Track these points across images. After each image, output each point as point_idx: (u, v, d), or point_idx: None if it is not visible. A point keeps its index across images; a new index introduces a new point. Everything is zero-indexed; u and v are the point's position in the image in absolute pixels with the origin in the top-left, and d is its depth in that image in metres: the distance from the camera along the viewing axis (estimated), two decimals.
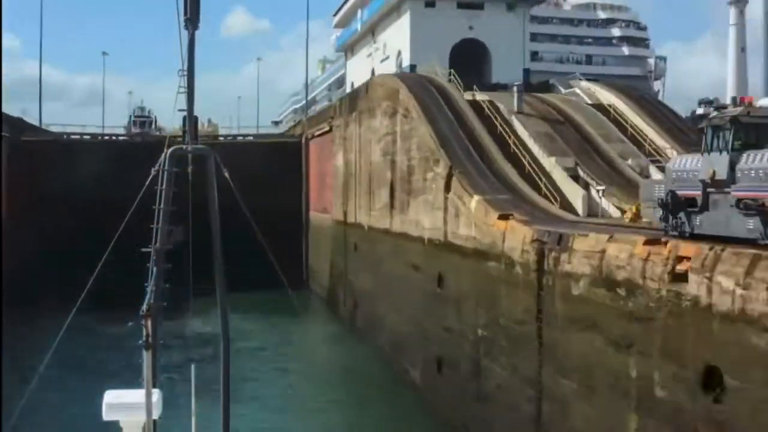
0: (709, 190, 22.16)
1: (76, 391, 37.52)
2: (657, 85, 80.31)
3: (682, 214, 23.51)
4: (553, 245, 27.84)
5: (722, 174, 21.38)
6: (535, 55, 70.93)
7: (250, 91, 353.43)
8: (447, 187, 38.69)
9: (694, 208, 22.79)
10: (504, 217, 32.54)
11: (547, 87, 58.32)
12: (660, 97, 77.32)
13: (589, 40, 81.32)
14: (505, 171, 39.67)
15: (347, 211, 61.48)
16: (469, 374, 35.04)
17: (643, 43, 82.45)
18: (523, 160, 40.72)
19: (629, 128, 45.97)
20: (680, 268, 21.06)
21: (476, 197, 35.54)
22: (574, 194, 37.99)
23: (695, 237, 22.49)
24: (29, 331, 45.19)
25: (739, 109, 21.52)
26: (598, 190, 37.06)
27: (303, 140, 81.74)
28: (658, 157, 42.02)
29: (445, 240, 38.79)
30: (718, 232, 21.64)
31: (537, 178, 38.98)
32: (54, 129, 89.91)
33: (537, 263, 28.88)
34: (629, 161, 41.60)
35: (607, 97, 51.41)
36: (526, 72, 61.90)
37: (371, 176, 53.77)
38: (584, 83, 55.79)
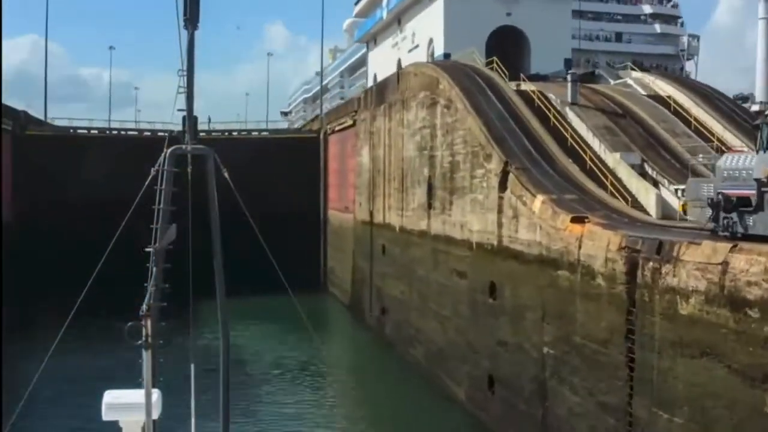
0: (765, 189, 21.50)
1: (75, 391, 37.81)
2: (689, 65, 76.69)
3: (734, 214, 22.49)
4: (651, 254, 23.71)
5: None
6: None
7: (260, 87, 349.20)
8: (502, 186, 34.61)
9: (748, 207, 22.00)
10: (578, 219, 28.46)
11: (592, 77, 54.26)
12: (693, 77, 74.02)
13: (619, 17, 77.25)
14: (566, 167, 35.54)
15: (374, 211, 57.44)
16: (531, 395, 31.10)
17: (674, 20, 78.38)
18: (584, 156, 36.62)
19: (693, 122, 41.86)
20: None
21: (540, 197, 31.45)
22: (645, 193, 33.88)
23: (747, 238, 21.68)
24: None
25: None
26: (676, 190, 32.87)
27: (321, 135, 77.84)
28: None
29: (499, 244, 34.72)
30: None
31: (601, 176, 34.86)
32: (59, 123, 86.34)
33: (627, 275, 24.78)
34: (700, 157, 37.39)
35: (663, 87, 47.33)
36: (568, 62, 57.85)
37: (404, 173, 49.69)
38: (636, 73, 51.75)
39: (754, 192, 21.60)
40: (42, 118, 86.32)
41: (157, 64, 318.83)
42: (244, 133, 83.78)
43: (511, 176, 34.04)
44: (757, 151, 22.26)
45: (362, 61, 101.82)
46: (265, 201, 67.09)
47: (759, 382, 19.15)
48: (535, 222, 31.22)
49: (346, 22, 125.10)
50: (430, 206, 44.45)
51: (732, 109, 43.92)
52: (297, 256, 66.63)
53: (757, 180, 21.50)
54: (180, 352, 16.12)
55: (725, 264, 20.48)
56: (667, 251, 23.02)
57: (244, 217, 17.40)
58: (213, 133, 79.94)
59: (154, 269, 13.82)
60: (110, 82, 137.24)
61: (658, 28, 74.74)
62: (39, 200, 67.87)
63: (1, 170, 56.44)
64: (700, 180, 24.60)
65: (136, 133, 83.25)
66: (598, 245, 26.53)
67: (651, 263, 23.59)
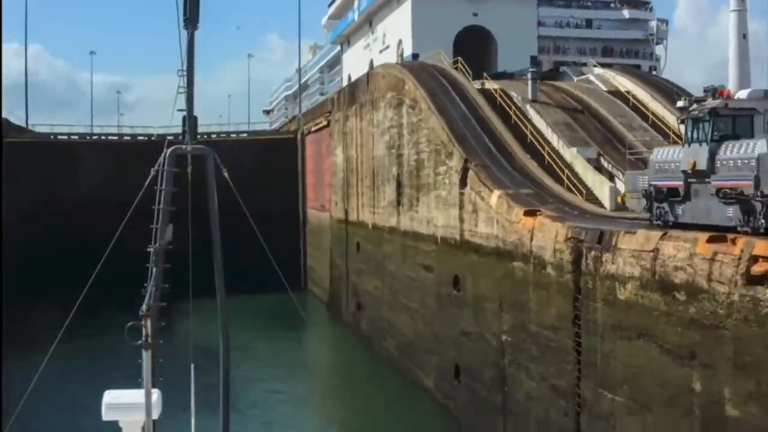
0: (691, 180, 22.75)
1: (75, 391, 37.61)
2: (659, 50, 77.34)
3: (665, 204, 23.90)
4: (593, 244, 25.07)
5: (702, 165, 22.04)
6: None
7: (241, 88, 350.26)
8: (462, 182, 35.91)
9: (677, 197, 23.30)
10: (531, 212, 29.78)
11: (556, 74, 55.62)
12: (662, 62, 75.21)
13: (588, 3, 77.85)
14: (524, 163, 36.87)
15: (348, 209, 58.65)
16: (493, 382, 32.39)
17: (643, 5, 79.00)
18: (542, 151, 37.95)
19: (650, 116, 43.23)
20: (757, 269, 18.40)
21: (497, 192, 32.75)
22: (600, 186, 35.23)
23: (678, 226, 23.00)
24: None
25: (717, 102, 22.33)
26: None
27: (299, 136, 79.01)
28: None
29: (461, 239, 36.02)
30: (699, 221, 22.33)
31: (558, 170, 36.22)
32: (40, 129, 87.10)
33: (573, 264, 26.13)
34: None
35: (623, 83, 48.69)
36: (534, 60, 58.97)
37: (375, 172, 50.93)
38: (598, 69, 53.10)
39: (681, 183, 22.92)
40: (24, 125, 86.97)
41: (155, 66, 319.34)
42: (223, 135, 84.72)
43: (470, 173, 35.31)
44: (683, 145, 23.57)
45: (340, 57, 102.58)
46: (246, 202, 68.52)
47: (686, 360, 20.49)
48: (493, 216, 32.52)
49: (324, 19, 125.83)
50: (399, 203, 45.69)
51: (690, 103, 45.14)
52: (277, 255, 67.63)
53: (684, 172, 22.79)
54: (180, 352, 16.31)
55: (656, 251, 21.83)
56: (607, 240, 24.38)
57: (235, 217, 17.89)
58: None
59: (154, 269, 13.81)
60: (91, 87, 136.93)
61: (627, 13, 75.29)
62: (20, 207, 68.45)
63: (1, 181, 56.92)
64: (637, 173, 25.93)
65: (116, 138, 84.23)
66: (548, 237, 27.85)
67: (593, 252, 24.95)
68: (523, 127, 40.09)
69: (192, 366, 16.31)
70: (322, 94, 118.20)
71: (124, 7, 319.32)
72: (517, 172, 35.78)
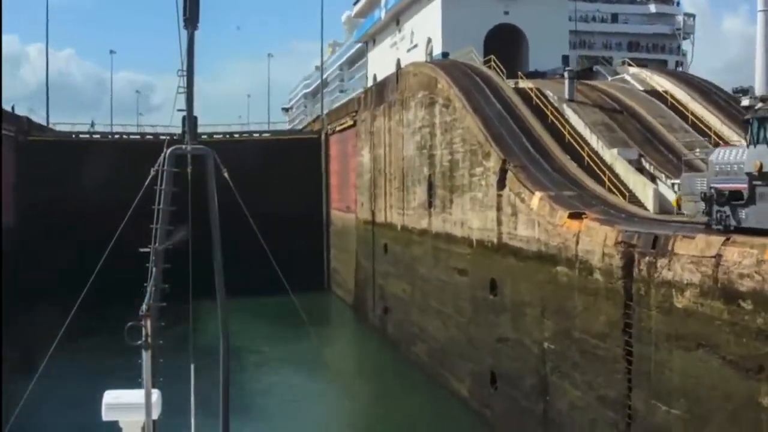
0: (756, 182, 21.91)
1: (75, 392, 37.57)
2: (686, 45, 76.40)
3: (726, 208, 22.98)
4: (646, 249, 24.02)
5: None
6: None
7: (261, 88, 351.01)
8: (501, 183, 34.90)
9: (740, 201, 22.43)
10: (576, 215, 28.76)
11: (590, 73, 54.51)
12: (689, 57, 74.90)
13: None
14: (564, 164, 35.80)
15: (375, 210, 57.71)
16: (533, 390, 31.39)
17: (670, 0, 77.83)
18: (582, 152, 36.86)
19: (690, 116, 42.08)
20: None
21: (538, 194, 31.73)
22: (642, 188, 34.10)
23: (740, 230, 22.05)
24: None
25: None
26: (673, 184, 33.11)
27: (322, 136, 78.08)
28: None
29: (499, 242, 35.00)
30: (764, 226, 21.44)
31: (599, 172, 35.13)
32: (61, 128, 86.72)
33: (624, 269, 25.08)
34: (697, 152, 37.64)
35: (660, 82, 47.52)
36: (566, 58, 57.99)
37: (404, 172, 49.96)
38: (633, 69, 51.89)
39: (745, 185, 21.97)
40: (45, 123, 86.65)
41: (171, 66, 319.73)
42: (245, 134, 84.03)
43: (509, 174, 34.31)
44: (748, 146, 22.56)
45: (361, 53, 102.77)
46: (267, 202, 68.13)
47: (753, 373, 19.43)
48: (534, 219, 31.51)
49: (344, 15, 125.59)
50: (430, 205, 44.72)
51: (729, 103, 44.02)
52: (301, 256, 67.37)
53: (749, 174, 21.84)
54: (180, 352, 16.12)
55: (718, 257, 20.78)
56: (662, 245, 23.32)
57: (246, 218, 17.40)
58: (214, 135, 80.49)
59: (154, 269, 13.84)
60: (111, 87, 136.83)
61: (653, 8, 74.19)
62: (42, 204, 68.11)
63: (0, 174, 56.60)
64: (694, 175, 24.88)
65: (138, 137, 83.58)
66: (595, 241, 26.82)
67: (647, 257, 23.89)
68: (561, 127, 39.03)
69: (192, 366, 16.43)
70: (342, 91, 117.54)
71: (140, 8, 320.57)
72: (557, 173, 34.73)
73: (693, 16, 77.23)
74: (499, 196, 34.90)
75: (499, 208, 34.94)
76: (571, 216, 28.92)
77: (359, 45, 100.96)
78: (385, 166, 54.90)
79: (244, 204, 16.79)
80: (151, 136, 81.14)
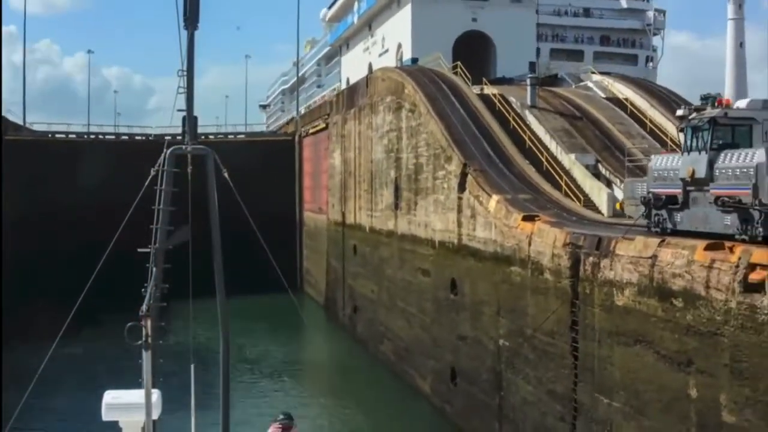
0: (689, 188, 22.98)
1: (75, 392, 38.14)
2: (656, 41, 77.83)
3: (663, 211, 24.03)
4: (591, 250, 25.26)
5: (701, 173, 22.24)
6: None
7: (237, 90, 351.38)
8: (461, 186, 36.09)
9: (675, 205, 23.48)
10: (529, 218, 29.98)
11: (555, 80, 55.83)
12: (659, 53, 76.35)
13: None
14: (523, 168, 37.04)
15: (345, 212, 58.81)
16: (489, 386, 32.56)
17: None
18: (541, 157, 38.14)
19: (648, 123, 43.44)
20: (754, 277, 18.60)
21: (495, 197, 32.93)
22: (598, 192, 35.44)
23: (676, 233, 23.18)
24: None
25: (716, 111, 22.58)
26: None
27: (296, 138, 79.16)
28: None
29: (459, 243, 36.19)
30: (697, 229, 22.47)
31: (557, 176, 36.41)
32: (38, 128, 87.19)
33: (571, 269, 26.31)
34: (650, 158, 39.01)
35: (621, 90, 48.84)
36: (533, 65, 59.24)
37: (373, 175, 51.10)
38: (596, 76, 53.18)
39: (680, 191, 23.11)
40: (21, 123, 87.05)
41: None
42: (221, 136, 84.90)
43: (469, 177, 35.49)
44: (682, 153, 23.77)
45: (338, 49, 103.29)
46: (244, 203, 68.75)
47: (683, 367, 20.67)
48: (491, 221, 32.69)
49: (322, 12, 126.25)
50: (396, 207, 45.86)
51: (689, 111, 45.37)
52: (275, 257, 67.96)
53: (683, 179, 22.99)
54: (180, 352, 16.66)
55: (654, 257, 22.01)
56: (605, 247, 24.56)
57: (234, 218, 17.68)
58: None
59: (154, 269, 13.79)
60: (89, 85, 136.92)
61: (624, 2, 75.29)
62: (20, 206, 68.44)
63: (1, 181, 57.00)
64: (635, 180, 26.10)
65: (113, 137, 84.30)
66: (546, 242, 28.03)
67: (591, 258, 25.13)
68: (522, 133, 40.28)
69: (192, 366, 16.26)
70: (319, 86, 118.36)
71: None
72: (516, 177, 35.95)
73: (663, 12, 77.92)
74: (460, 198, 36.08)
75: (459, 211, 36.11)
76: (525, 218, 30.11)
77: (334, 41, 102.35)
78: (355, 168, 56.00)
79: (228, 204, 16.43)
80: (126, 137, 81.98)
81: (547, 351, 27.81)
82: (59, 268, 54.24)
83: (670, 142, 41.26)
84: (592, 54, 72.76)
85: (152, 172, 14.21)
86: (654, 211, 24.12)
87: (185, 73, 15.01)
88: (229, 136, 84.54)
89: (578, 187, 36.14)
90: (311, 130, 73.15)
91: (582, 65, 71.03)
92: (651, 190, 24.27)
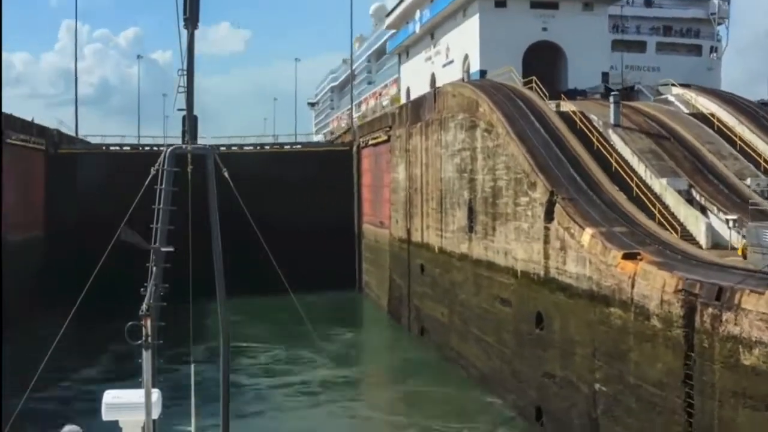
0: None
1: (75, 391, 38.91)
2: (720, 30, 75.04)
3: None
4: (710, 300, 23.17)
5: None
6: None
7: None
8: (548, 216, 34.09)
9: None
10: (630, 256, 27.92)
11: (631, 92, 53.53)
12: (724, 43, 73.73)
13: None
14: (613, 196, 34.92)
15: (411, 229, 57.00)
16: (582, 430, 30.57)
17: None
18: (630, 182, 35.98)
19: (738, 142, 41.11)
20: None
21: (589, 230, 30.90)
22: (694, 222, 33.22)
23: None
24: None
25: None
26: (727, 221, 32.24)
27: (354, 149, 77.52)
28: None
29: (546, 275, 34.21)
30: None
31: (649, 204, 34.25)
32: (92, 140, 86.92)
33: (685, 319, 24.24)
34: (748, 181, 36.77)
35: (705, 104, 46.50)
36: (606, 76, 56.95)
37: (443, 194, 49.20)
38: (677, 89, 50.80)
39: None
40: (74, 134, 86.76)
41: None
42: (276, 146, 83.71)
43: (557, 207, 33.51)
44: None
45: (387, 49, 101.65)
46: (301, 214, 68.23)
47: None
48: (585, 256, 30.68)
49: (372, 7, 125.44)
50: (471, 230, 43.95)
51: None
52: (334, 267, 67.26)
53: None
54: (180, 352, 16.32)
55: None
56: (727, 298, 22.49)
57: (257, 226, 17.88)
58: (245, 147, 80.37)
59: (154, 269, 13.85)
60: (138, 93, 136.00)
61: None
62: (73, 217, 67.98)
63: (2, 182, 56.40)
64: (762, 226, 23.89)
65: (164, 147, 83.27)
66: (653, 286, 25.98)
67: (710, 309, 23.06)
68: (608, 155, 38.13)
69: (192, 366, 16.64)
70: (370, 83, 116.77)
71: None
72: (607, 205, 33.85)
73: (728, 0, 75.25)
74: (547, 228, 34.10)
75: (546, 241, 34.13)
76: (626, 257, 28.07)
77: (386, 36, 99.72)
78: (421, 185, 54.17)
79: (242, 204, 17.26)
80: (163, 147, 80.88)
81: (655, 403, 25.79)
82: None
83: (764, 163, 39.05)
84: (654, 45, 70.35)
85: (152, 172, 14.53)
86: None
87: (185, 72, 15.30)
88: (285, 147, 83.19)
89: (672, 214, 33.95)
90: (371, 142, 71.41)
91: (644, 56, 68.72)
92: None
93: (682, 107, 47.50)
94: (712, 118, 43.86)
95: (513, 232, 37.88)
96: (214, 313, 15.38)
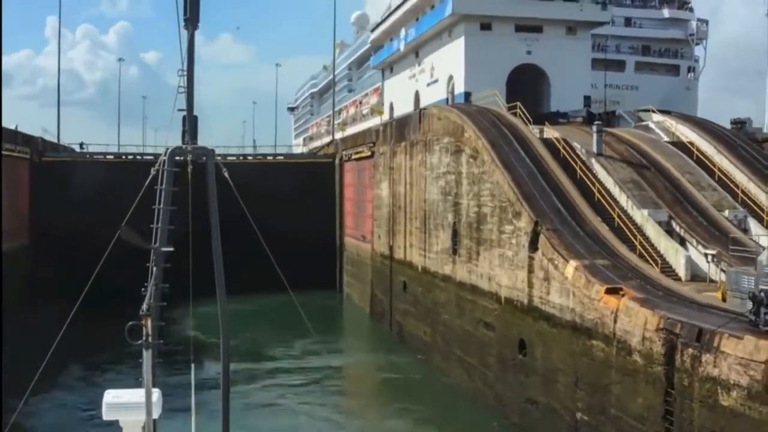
0: None
1: (75, 391, 38.86)
2: (698, 50, 78.10)
3: None
4: (690, 340, 24.13)
5: None
6: None
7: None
8: (533, 245, 34.99)
9: None
10: (613, 290, 28.87)
11: (612, 117, 54.60)
12: (702, 63, 76.40)
13: (628, 1, 76.83)
14: (595, 227, 35.86)
15: (394, 246, 57.78)
16: None
17: (685, 5, 78.17)
18: (612, 213, 36.96)
19: (717, 172, 42.22)
20: None
21: (573, 262, 31.81)
22: (674, 254, 34.24)
23: None
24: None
25: None
26: (706, 255, 33.29)
27: (337, 161, 78.30)
28: (756, 209, 38.79)
29: (529, 303, 35.10)
30: None
31: (630, 235, 35.24)
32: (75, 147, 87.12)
33: (665, 356, 25.22)
34: (726, 213, 37.87)
35: (685, 133, 47.63)
36: (588, 99, 58.02)
37: (426, 214, 50.03)
38: (657, 116, 51.90)
39: None
40: (57, 141, 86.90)
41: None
42: (259, 157, 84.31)
43: (542, 237, 34.40)
44: None
45: (370, 53, 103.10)
46: (280, 223, 68.45)
47: None
48: (568, 288, 31.58)
49: (353, 15, 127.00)
50: (455, 252, 44.79)
51: (754, 156, 44.24)
52: (314, 279, 67.74)
53: None
54: (180, 351, 16.54)
55: None
56: (707, 340, 23.43)
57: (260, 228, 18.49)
58: (228, 158, 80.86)
59: (155, 269, 13.91)
60: (119, 97, 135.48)
61: (666, 12, 74.55)
62: (57, 226, 68.09)
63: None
64: (741, 270, 24.81)
65: (151, 157, 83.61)
66: (635, 322, 26.92)
67: (690, 349, 24.00)
68: (590, 185, 39.09)
69: (192, 366, 16.92)
70: (350, 90, 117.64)
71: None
72: (590, 237, 34.78)
73: (706, 21, 77.77)
74: (531, 258, 34.99)
75: (530, 271, 35.02)
76: (609, 291, 29.01)
77: (368, 46, 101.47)
78: (405, 204, 54.96)
79: (242, 204, 17.74)
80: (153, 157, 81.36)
81: None
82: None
83: (741, 194, 40.16)
84: (633, 64, 71.78)
85: (152, 172, 14.59)
86: (764, 310, 22.81)
87: (185, 72, 15.32)
88: (268, 158, 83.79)
89: (652, 246, 34.97)
90: (354, 156, 72.13)
91: (623, 75, 70.09)
92: (762, 287, 22.92)
93: (663, 135, 48.59)
94: (691, 147, 44.95)
95: (497, 258, 38.75)
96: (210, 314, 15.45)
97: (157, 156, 71.54)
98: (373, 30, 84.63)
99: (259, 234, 19.37)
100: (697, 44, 76.46)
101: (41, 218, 69.47)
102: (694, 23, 75.55)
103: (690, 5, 76.22)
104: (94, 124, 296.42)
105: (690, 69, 75.19)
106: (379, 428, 39.00)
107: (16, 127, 74.65)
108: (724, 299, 24.86)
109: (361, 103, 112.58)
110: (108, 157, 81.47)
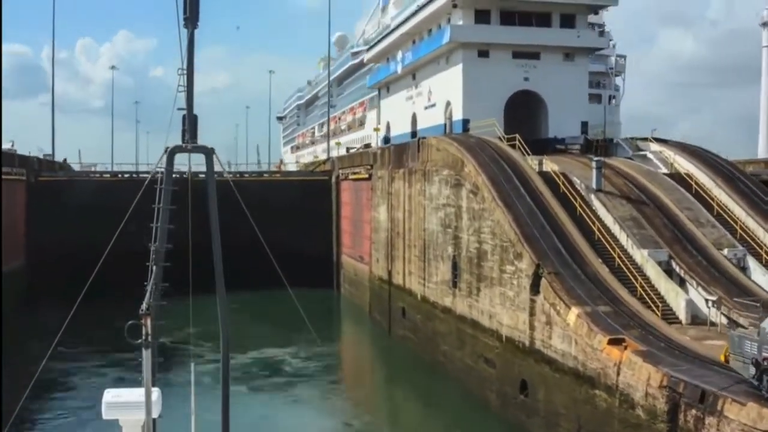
0: None
1: (75, 390, 39.10)
2: (618, 81, 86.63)
3: None
4: (693, 401, 24.42)
5: None
6: None
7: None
8: (534, 288, 35.26)
9: None
10: (616, 341, 29.13)
11: (610, 145, 54.89)
12: (621, 92, 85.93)
13: None
14: (596, 269, 36.12)
15: (393, 271, 58.05)
16: None
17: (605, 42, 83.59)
18: (612, 252, 37.23)
19: (715, 206, 42.52)
20: None
21: (575, 309, 32.08)
22: (674, 297, 34.55)
23: None
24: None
25: None
26: (707, 300, 33.60)
27: (333, 179, 78.65)
28: (755, 246, 39.14)
29: (531, 346, 35.38)
30: None
31: (631, 277, 35.52)
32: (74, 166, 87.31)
33: (669, 414, 25.49)
34: (725, 251, 38.19)
35: (682, 164, 47.98)
36: (585, 125, 58.32)
37: (426, 244, 50.28)
38: (654, 146, 52.19)
39: None
40: (54, 160, 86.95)
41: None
42: (255, 174, 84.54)
43: (543, 281, 34.65)
44: None
45: (350, 72, 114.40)
46: (277, 240, 68.49)
47: None
48: (570, 335, 31.84)
49: (334, 36, 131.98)
50: (455, 285, 45.04)
51: (751, 189, 44.55)
52: (312, 294, 67.93)
53: None
54: (180, 351, 16.80)
55: None
56: (710, 402, 23.71)
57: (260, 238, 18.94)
58: (226, 174, 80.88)
59: (154, 268, 13.99)
60: (112, 113, 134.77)
61: None
62: (54, 245, 68.16)
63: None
64: (744, 334, 25.02)
65: (147, 175, 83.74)
66: (638, 377, 27.18)
67: (694, 410, 24.28)
68: (590, 222, 39.34)
69: (192, 366, 16.64)
70: (332, 106, 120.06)
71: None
72: (590, 280, 35.04)
73: (624, 56, 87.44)
74: (533, 301, 35.25)
75: (532, 313, 35.29)
76: (611, 342, 29.27)
77: (348, 65, 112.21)
78: (404, 231, 55.21)
79: (242, 204, 18.25)
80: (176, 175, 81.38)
81: None
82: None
83: (740, 230, 40.47)
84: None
85: (153, 172, 15.25)
86: (767, 377, 23.05)
87: (185, 71, 15.36)
88: (264, 175, 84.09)
89: (652, 287, 35.26)
90: (351, 175, 72.42)
91: None
92: (765, 354, 23.15)
93: (661, 165, 48.89)
94: (689, 180, 45.24)
95: (498, 296, 39.00)
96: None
97: (155, 175, 72.50)
98: (369, 49, 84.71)
99: (260, 235, 19.91)
100: (616, 75, 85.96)
101: (37, 238, 69.65)
102: (613, 58, 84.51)
103: (613, 42, 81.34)
104: (91, 131, 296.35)
105: (611, 98, 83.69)
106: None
107: (12, 144, 74.81)
108: (726, 361, 25.04)
109: (339, 119, 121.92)
110: (105, 175, 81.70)
